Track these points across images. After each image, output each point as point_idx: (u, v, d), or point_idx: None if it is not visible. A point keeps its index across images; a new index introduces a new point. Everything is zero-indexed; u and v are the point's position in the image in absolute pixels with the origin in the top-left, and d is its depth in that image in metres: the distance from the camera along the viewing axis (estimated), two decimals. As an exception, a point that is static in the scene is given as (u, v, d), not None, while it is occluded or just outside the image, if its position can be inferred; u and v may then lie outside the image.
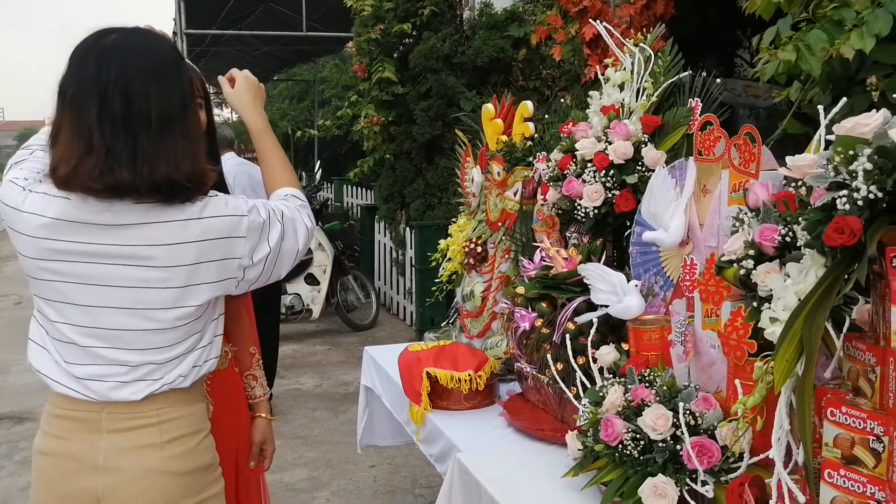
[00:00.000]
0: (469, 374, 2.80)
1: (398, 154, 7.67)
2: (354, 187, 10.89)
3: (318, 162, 12.40)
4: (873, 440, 1.35)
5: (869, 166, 1.30)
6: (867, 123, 1.36)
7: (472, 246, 3.31)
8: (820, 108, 1.73)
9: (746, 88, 6.09)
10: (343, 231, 8.11)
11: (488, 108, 3.33)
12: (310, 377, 6.28)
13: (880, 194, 1.29)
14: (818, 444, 1.46)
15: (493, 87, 6.32)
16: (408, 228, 7.68)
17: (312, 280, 7.58)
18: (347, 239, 8.06)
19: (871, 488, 1.35)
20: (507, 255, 3.13)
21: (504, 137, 3.19)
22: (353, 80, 10.36)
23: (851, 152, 1.34)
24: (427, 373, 2.81)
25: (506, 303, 2.73)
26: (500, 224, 3.17)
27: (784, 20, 2.50)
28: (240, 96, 1.91)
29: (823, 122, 1.70)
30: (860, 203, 1.31)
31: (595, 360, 2.28)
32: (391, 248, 8.32)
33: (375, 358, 3.43)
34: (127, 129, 1.62)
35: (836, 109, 1.67)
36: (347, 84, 12.84)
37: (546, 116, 3.08)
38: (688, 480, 1.86)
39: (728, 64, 6.80)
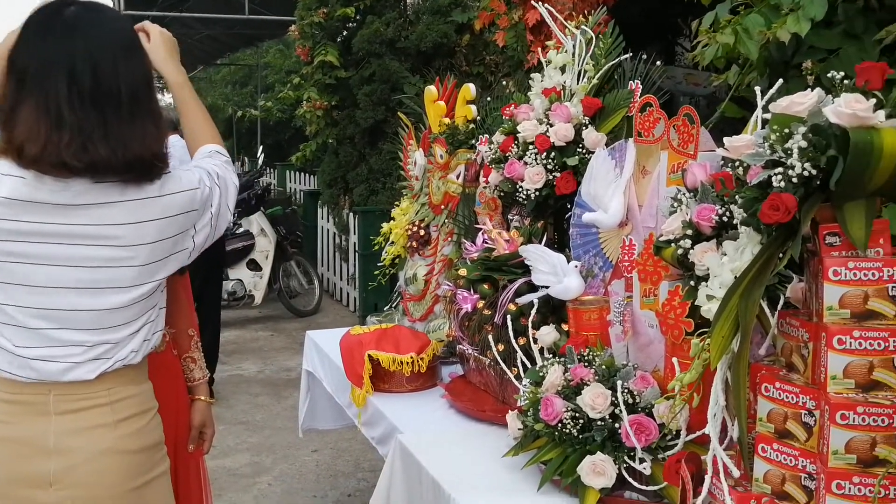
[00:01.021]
0: (411, 357, 2.78)
1: (341, 139, 7.59)
2: (297, 173, 10.76)
3: (261, 147, 12.22)
4: (805, 414, 1.37)
5: (803, 144, 1.32)
6: (802, 102, 1.38)
7: (415, 229, 3.29)
8: (757, 89, 1.75)
9: (687, 76, 6.19)
10: (285, 216, 8.00)
11: (431, 90, 3.31)
12: (252, 363, 6.20)
13: (814, 171, 1.31)
14: (752, 419, 1.49)
15: (437, 73, 6.30)
16: (351, 214, 7.62)
17: (254, 266, 7.47)
18: (290, 224, 7.96)
19: (802, 461, 1.37)
20: (449, 238, 3.12)
21: (447, 120, 3.18)
22: (296, 65, 10.23)
23: (787, 131, 1.36)
24: (369, 356, 2.79)
25: (448, 285, 2.72)
26: (442, 207, 3.16)
27: (723, 4, 2.53)
28: (156, 50, 1.86)
29: (760, 103, 1.72)
30: (795, 180, 1.32)
31: (536, 341, 2.28)
32: (334, 233, 8.25)
33: (317, 342, 3.40)
34: (97, 106, 1.61)
35: (772, 91, 1.69)
36: (291, 69, 12.65)
37: (489, 100, 3.07)
38: (626, 458, 1.88)
39: (669, 52, 6.90)
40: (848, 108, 1.27)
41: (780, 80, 1.71)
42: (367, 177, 7.38)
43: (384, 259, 3.56)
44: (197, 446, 2.20)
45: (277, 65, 15.11)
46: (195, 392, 2.20)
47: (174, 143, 2.07)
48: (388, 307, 3.67)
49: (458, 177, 3.05)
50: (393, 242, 3.50)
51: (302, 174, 10.48)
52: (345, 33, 7.53)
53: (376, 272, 3.65)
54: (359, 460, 4.35)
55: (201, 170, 1.79)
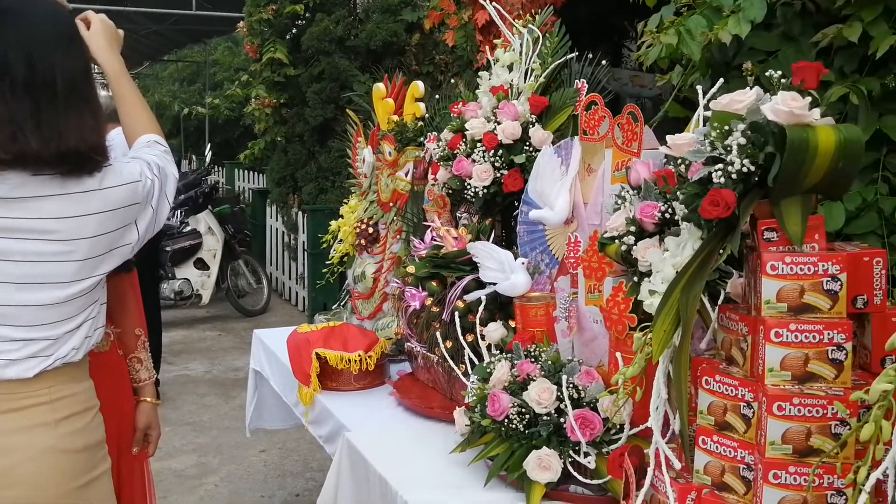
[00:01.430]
0: (359, 355, 2.77)
1: (290, 137, 7.53)
2: (246, 171, 10.63)
3: (209, 145, 12.04)
4: (744, 406, 1.40)
5: (742, 141, 1.35)
6: (741, 100, 1.41)
7: (364, 227, 3.28)
8: (699, 88, 1.79)
9: (633, 78, 6.28)
10: (233, 215, 7.89)
11: (379, 87, 3.29)
12: (199, 363, 6.11)
13: (753, 168, 1.33)
14: (693, 412, 1.51)
15: (387, 71, 6.29)
16: (300, 212, 7.56)
17: (202, 265, 7.36)
18: (238, 223, 7.86)
19: (741, 452, 1.40)
20: (398, 236, 3.12)
21: (395, 118, 3.17)
22: (245, 63, 10.10)
23: (726, 128, 1.39)
24: (316, 354, 2.76)
25: (396, 282, 2.72)
26: (391, 204, 3.15)
27: (667, 7, 2.57)
28: (96, 39, 1.82)
29: (702, 101, 1.75)
30: (734, 177, 1.35)
31: (483, 338, 2.29)
32: (283, 232, 8.17)
33: (264, 341, 3.36)
34: (31, 96, 1.57)
35: (713, 90, 1.72)
36: (240, 67, 12.50)
37: (437, 97, 3.07)
38: (571, 452, 1.89)
39: (616, 54, 6.99)
40: (785, 106, 1.30)
41: (721, 80, 1.75)
42: (317, 175, 7.33)
43: (332, 257, 3.54)
44: (142, 449, 2.16)
45: (226, 62, 14.92)
46: (141, 393, 2.16)
47: (115, 136, 2.02)
48: (336, 305, 3.65)
49: (406, 174, 3.05)
50: (341, 240, 3.48)
51: (251, 173, 10.36)
52: (294, 31, 7.47)
53: (325, 270, 3.62)
54: (307, 460, 4.31)
55: (141, 161, 1.75)
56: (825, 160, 1.30)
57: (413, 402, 2.57)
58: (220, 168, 12.44)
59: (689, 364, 1.48)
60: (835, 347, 1.31)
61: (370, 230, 3.27)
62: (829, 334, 1.31)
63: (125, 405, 2.10)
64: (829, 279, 1.33)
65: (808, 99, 1.32)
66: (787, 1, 2.26)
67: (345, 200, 3.61)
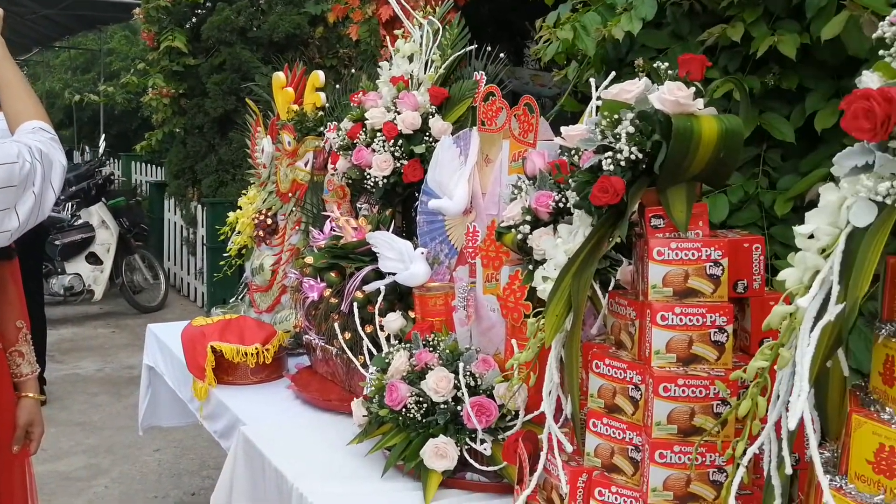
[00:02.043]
0: (256, 348, 2.72)
1: (189, 128, 7.32)
2: (144, 164, 10.27)
3: (103, 135, 11.58)
4: (632, 389, 1.43)
5: (631, 129, 1.38)
6: (630, 90, 1.44)
7: (262, 218, 3.21)
8: (592, 80, 1.82)
9: (533, 77, 6.37)
10: (129, 208, 7.61)
11: (279, 76, 3.24)
12: (91, 361, 5.87)
13: (640, 155, 1.37)
14: (584, 396, 1.54)
15: (290, 64, 6.20)
16: (199, 206, 7.36)
17: (94, 259, 7.07)
18: (134, 216, 7.58)
19: (629, 434, 1.44)
20: (297, 227, 3.07)
21: (295, 107, 3.12)
22: (143, 53, 9.76)
23: (616, 117, 1.42)
24: (212, 347, 2.70)
25: (294, 273, 2.67)
26: (290, 195, 3.10)
27: (564, 4, 2.62)
28: None
29: (595, 94, 1.79)
30: (623, 164, 1.38)
31: (382, 328, 2.28)
32: (182, 226, 7.94)
33: (159, 335, 3.25)
34: None
35: (605, 83, 1.76)
36: (138, 56, 12.07)
37: (338, 87, 3.04)
38: (468, 440, 1.90)
39: (518, 54, 7.09)
40: (671, 95, 1.34)
41: (614, 74, 1.79)
42: (217, 168, 7.15)
43: (230, 249, 3.46)
44: (23, 447, 2.05)
45: (123, 51, 14.37)
46: (22, 388, 2.05)
47: None
48: (234, 299, 3.56)
49: (306, 164, 3.01)
50: (239, 232, 3.41)
51: (148, 165, 10.02)
52: (194, 20, 7.26)
53: (222, 262, 3.54)
54: (204, 458, 4.20)
55: (21, 144, 1.67)
56: (708, 149, 1.35)
57: (311, 394, 2.54)
58: (116, 160, 11.99)
59: (581, 349, 1.51)
60: (717, 330, 1.36)
61: (269, 221, 3.20)
62: (711, 317, 1.35)
63: (4, 400, 2.00)
64: (712, 264, 1.37)
65: (693, 89, 1.36)
66: (676, 1, 2.33)
67: (243, 192, 3.53)
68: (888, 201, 0.93)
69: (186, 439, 4.36)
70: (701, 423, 1.32)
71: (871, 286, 0.97)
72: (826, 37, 1.91)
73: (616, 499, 1.43)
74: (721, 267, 1.38)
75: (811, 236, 1.05)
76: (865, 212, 0.97)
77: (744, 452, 1.11)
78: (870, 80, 1.00)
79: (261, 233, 3.22)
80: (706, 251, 1.38)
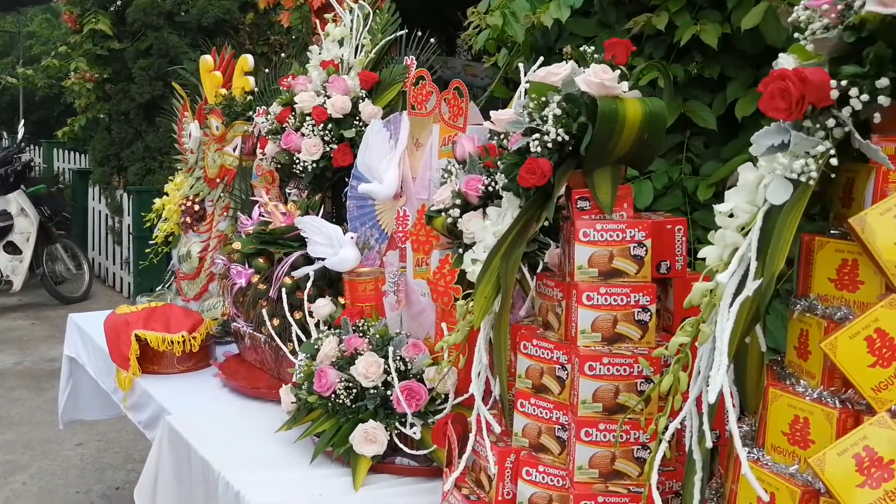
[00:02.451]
0: (183, 336, 2.66)
1: (115, 114, 7.11)
2: (67, 151, 9.93)
3: (22, 121, 11.15)
4: (559, 368, 1.45)
5: (558, 111, 1.39)
6: (557, 73, 1.45)
7: (190, 204, 3.14)
8: (520, 65, 1.83)
9: (465, 67, 6.38)
10: (50, 196, 7.35)
11: (207, 60, 3.17)
12: (9, 354, 5.66)
13: (567, 137, 1.38)
14: (513, 377, 1.55)
15: (220, 50, 6.08)
16: (125, 194, 7.16)
17: (13, 249, 6.81)
18: (55, 204, 7.32)
19: (556, 413, 1.45)
20: (225, 213, 3.01)
21: (223, 91, 3.06)
22: (65, 36, 9.42)
23: (543, 99, 1.43)
24: (136, 335, 2.63)
25: (222, 260, 2.62)
26: (218, 181, 3.04)
27: (496, -8, 2.63)
28: None
29: (524, 79, 1.79)
30: (550, 146, 1.39)
31: (311, 314, 2.25)
32: (107, 215, 7.71)
33: (80, 325, 3.15)
34: None
35: (534, 68, 1.77)
36: (60, 40, 11.65)
37: (266, 70, 2.99)
38: (397, 424, 1.90)
39: (451, 44, 7.09)
40: (596, 78, 1.35)
41: (542, 59, 1.80)
42: (143, 155, 6.97)
43: (156, 236, 3.37)
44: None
45: (44, 35, 13.85)
46: None
47: None
48: (160, 287, 3.48)
49: (234, 149, 2.95)
50: (166, 219, 3.32)
51: (71, 152, 9.69)
52: (118, 2, 7.05)
53: (148, 250, 3.45)
54: (129, 451, 4.10)
55: None
56: (633, 130, 1.37)
57: (239, 382, 2.49)
58: (37, 147, 11.57)
59: (509, 330, 1.52)
60: (640, 309, 1.38)
61: (196, 208, 3.14)
62: (635, 297, 1.38)
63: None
64: (636, 245, 1.39)
65: (618, 72, 1.38)
66: (604, -11, 2.36)
67: (170, 178, 3.45)
68: (803, 179, 0.96)
69: (110, 432, 4.24)
70: (625, 401, 1.34)
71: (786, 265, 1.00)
72: (746, 27, 1.96)
73: (543, 478, 1.44)
74: (645, 248, 1.40)
75: (731, 215, 1.08)
76: (781, 190, 0.99)
77: (666, 428, 1.13)
78: (786, 61, 1.02)
79: (188, 219, 3.15)
80: (630, 232, 1.40)
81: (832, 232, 1.03)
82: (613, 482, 1.36)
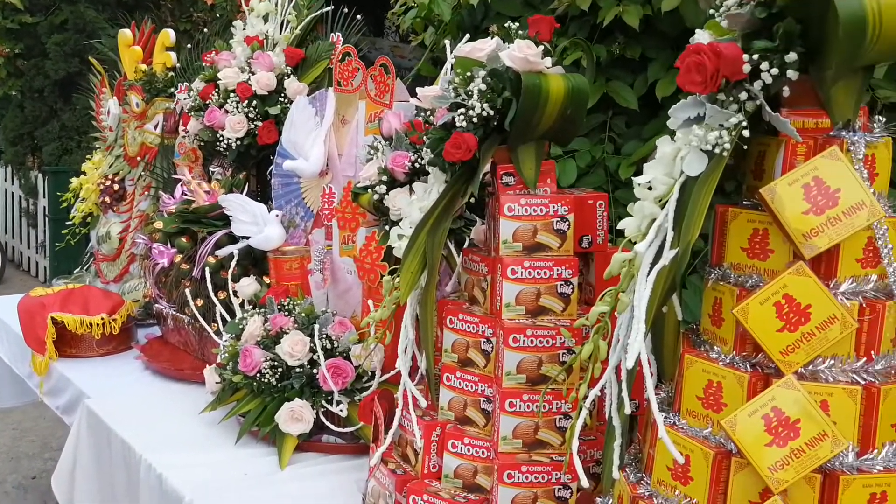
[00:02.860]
0: (102, 318, 2.59)
1: (27, 91, 6.83)
2: (-25, 130, 9.53)
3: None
4: (484, 342, 1.46)
5: (483, 87, 1.40)
6: (482, 49, 1.46)
7: (109, 183, 3.05)
8: (447, 42, 1.83)
9: (393, 48, 6.35)
10: (-42, 177, 7.04)
11: (126, 34, 3.07)
12: (-86, 344, 5.40)
13: (492, 112, 1.39)
14: (439, 352, 1.56)
15: (140, 25, 5.90)
16: (40, 174, 6.90)
17: (-83, 233, 6.51)
18: (-37, 186, 7.02)
19: (481, 386, 1.46)
20: (146, 192, 2.94)
21: (143, 67, 2.97)
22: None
23: (468, 74, 1.43)
24: (52, 318, 2.55)
25: (143, 239, 2.56)
26: (139, 159, 2.96)
27: (425, -27, 2.62)
28: None
29: (450, 55, 1.80)
30: (475, 121, 1.40)
31: (236, 294, 2.22)
32: (20, 196, 7.42)
33: (-8, 310, 3.04)
34: None
35: (460, 45, 1.77)
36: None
37: (189, 46, 2.92)
38: (324, 402, 1.89)
39: (378, 25, 7.05)
40: (520, 53, 1.36)
41: (468, 36, 1.80)
42: (60, 134, 6.72)
43: (73, 217, 3.26)
44: None
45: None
46: None
47: None
48: (78, 269, 3.37)
49: (156, 127, 2.87)
50: (83, 199, 3.22)
51: (-20, 132, 9.29)
52: (30, -26, 6.76)
53: (65, 231, 3.33)
54: (46, 439, 3.97)
55: None
56: (556, 105, 1.38)
57: (162, 365, 2.45)
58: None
59: (435, 305, 1.53)
60: (563, 282, 1.40)
61: (116, 187, 3.05)
62: (558, 270, 1.40)
63: None
64: (559, 219, 1.42)
65: (542, 48, 1.39)
66: (530, -32, 2.38)
67: (88, 157, 3.34)
68: (717, 150, 0.99)
69: (26, 420, 4.10)
70: (548, 372, 1.37)
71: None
72: (666, 9, 2.00)
73: (469, 450, 1.46)
74: (567, 222, 1.42)
75: (649, 187, 1.10)
76: (697, 161, 1.02)
77: (586, 396, 1.16)
78: (701, 37, 1.05)
79: (107, 199, 3.06)
80: (554, 207, 1.42)
81: (744, 203, 1.07)
82: (537, 451, 1.39)
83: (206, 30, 3.15)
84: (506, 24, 1.49)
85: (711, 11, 1.06)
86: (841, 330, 0.95)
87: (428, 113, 1.75)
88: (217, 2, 5.37)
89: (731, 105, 0.98)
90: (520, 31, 1.46)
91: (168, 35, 2.97)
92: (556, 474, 1.36)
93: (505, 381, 1.39)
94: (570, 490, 1.36)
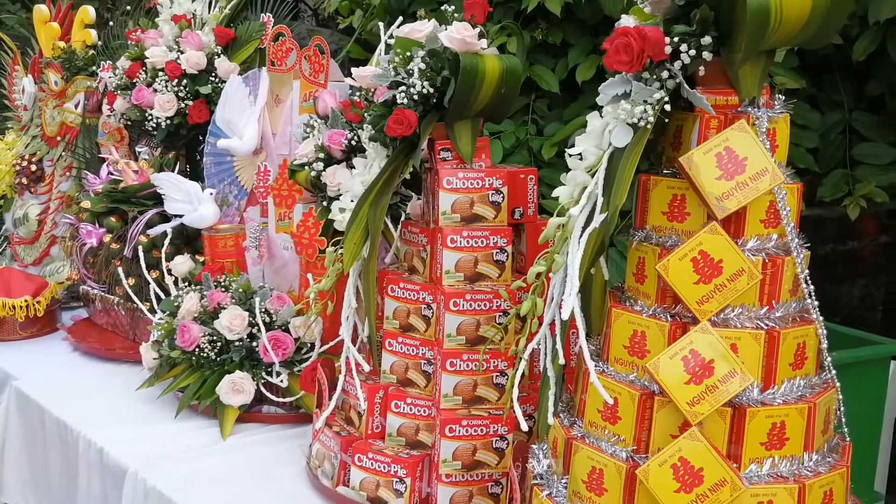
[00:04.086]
0: (25, 300, 2.56)
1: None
2: None
3: None
4: (424, 308, 1.55)
5: (422, 66, 1.48)
6: (421, 30, 1.54)
7: (25, 164, 2.99)
8: (381, 25, 1.91)
9: (310, 32, 6.36)
10: None
11: (42, 9, 3.01)
12: None
13: (431, 90, 1.48)
14: (380, 319, 1.64)
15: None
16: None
17: None
18: None
19: (422, 349, 1.56)
20: (67, 173, 2.90)
21: (62, 44, 2.92)
22: None
23: (408, 54, 1.51)
24: (-28, 301, 2.51)
25: (69, 219, 2.54)
26: (59, 139, 2.91)
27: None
28: None
29: (384, 37, 1.87)
30: (416, 98, 1.48)
31: (170, 272, 2.24)
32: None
33: None
34: None
35: (394, 27, 1.85)
36: None
37: (111, 24, 2.89)
38: (264, 374, 1.95)
39: (294, 10, 7.03)
40: (458, 34, 1.45)
41: (401, 18, 1.88)
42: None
43: (-14, 199, 3.19)
44: None
45: None
46: None
47: None
48: (-8, 253, 3.30)
49: (76, 106, 2.84)
50: (-2, 181, 3.15)
51: None
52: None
53: (-24, 214, 3.25)
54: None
55: None
56: (492, 84, 1.48)
57: (91, 345, 2.44)
58: None
59: (376, 275, 1.61)
60: (498, 250, 1.51)
61: (33, 167, 3.00)
62: (493, 239, 1.50)
63: None
64: (494, 192, 1.52)
65: (478, 30, 1.49)
66: (456, -45, 2.47)
67: (0, 136, 3.26)
68: (641, 124, 1.10)
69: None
70: (485, 333, 1.47)
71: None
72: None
73: (411, 409, 1.55)
74: (502, 195, 1.52)
75: (580, 158, 1.21)
76: (623, 134, 1.14)
77: (525, 347, 1.26)
78: (627, 21, 1.17)
79: (24, 180, 3.01)
80: (489, 180, 1.52)
81: (664, 172, 1.19)
82: (475, 407, 1.49)
83: (118, 14, 3.11)
84: (442, 7, 1.58)
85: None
86: (748, 281, 1.08)
87: (365, 92, 1.82)
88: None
89: (655, 83, 1.10)
90: (455, 14, 1.55)
91: (87, 12, 2.93)
92: (494, 426, 1.47)
93: (446, 343, 1.49)
94: (506, 441, 1.48)
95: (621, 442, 1.14)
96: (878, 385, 2.02)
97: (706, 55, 1.07)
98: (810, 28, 1.05)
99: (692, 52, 1.07)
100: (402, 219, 1.74)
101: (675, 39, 1.07)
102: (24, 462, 2.18)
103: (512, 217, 1.60)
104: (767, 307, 1.12)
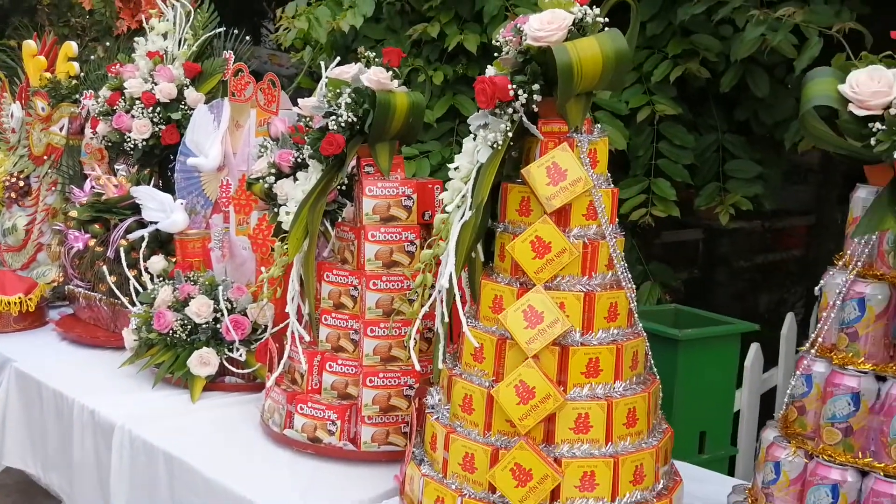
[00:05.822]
0: (19, 297, 2.93)
1: None
2: None
3: None
4: (352, 290, 1.98)
5: (349, 100, 1.91)
6: (348, 72, 1.97)
7: (14, 180, 3.37)
8: (322, 63, 2.34)
9: (271, 56, 6.78)
10: None
11: (30, 44, 3.40)
12: None
13: (356, 119, 1.90)
14: (319, 300, 2.06)
15: (16, 29, 6.04)
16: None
17: None
18: None
19: (350, 322, 1.98)
20: (53, 188, 3.29)
21: (48, 74, 3.32)
22: None
23: (338, 90, 1.95)
24: (-27, 298, 2.87)
25: (59, 226, 2.93)
26: (45, 158, 3.30)
27: (300, -2, 3.12)
28: None
29: (325, 74, 2.30)
30: (343, 125, 1.91)
31: (147, 270, 2.64)
32: None
33: None
34: None
35: (333, 65, 2.28)
36: None
37: (93, 58, 3.29)
38: (226, 350, 2.36)
39: (256, 34, 7.43)
40: (375, 77, 1.89)
41: (339, 59, 2.31)
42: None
43: (-23, 212, 3.55)
44: None
45: None
46: None
47: None
48: (-19, 261, 3.65)
49: (61, 129, 3.23)
50: (-14, 195, 3.52)
51: None
52: None
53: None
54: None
55: None
56: (402, 115, 1.92)
57: (78, 334, 2.83)
58: None
59: (315, 265, 2.03)
60: (409, 243, 1.94)
61: (21, 183, 3.37)
62: (405, 234, 1.93)
63: None
64: (406, 198, 1.95)
65: (391, 72, 1.92)
66: (391, 1, 2.92)
67: (-12, 156, 3.63)
68: (496, 146, 1.55)
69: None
70: (398, 306, 1.90)
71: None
72: (496, 38, 2.58)
73: (342, 369, 1.97)
74: (412, 200, 1.96)
75: (458, 170, 1.66)
76: (485, 153, 1.58)
77: (418, 312, 1.70)
78: (490, 71, 1.61)
79: (13, 194, 3.38)
80: (402, 189, 1.95)
81: (517, 181, 1.63)
82: (390, 364, 1.92)
83: (87, 41, 3.48)
84: (372, 48, 2.01)
85: (496, 54, 1.62)
86: (569, 257, 1.52)
87: (307, 118, 2.25)
88: (96, 7, 5.64)
89: (504, 117, 1.54)
90: (376, 59, 1.99)
91: (71, 47, 3.33)
92: (404, 378, 1.90)
93: (367, 315, 1.91)
94: (413, 389, 1.90)
95: (485, 375, 1.57)
96: (731, 356, 2.49)
97: (537, 97, 1.52)
98: (605, 79, 1.50)
99: (526, 95, 1.51)
100: (339, 220, 2.17)
101: (515, 86, 1.51)
102: (23, 430, 2.55)
103: (422, 218, 2.03)
104: (587, 276, 1.56)
